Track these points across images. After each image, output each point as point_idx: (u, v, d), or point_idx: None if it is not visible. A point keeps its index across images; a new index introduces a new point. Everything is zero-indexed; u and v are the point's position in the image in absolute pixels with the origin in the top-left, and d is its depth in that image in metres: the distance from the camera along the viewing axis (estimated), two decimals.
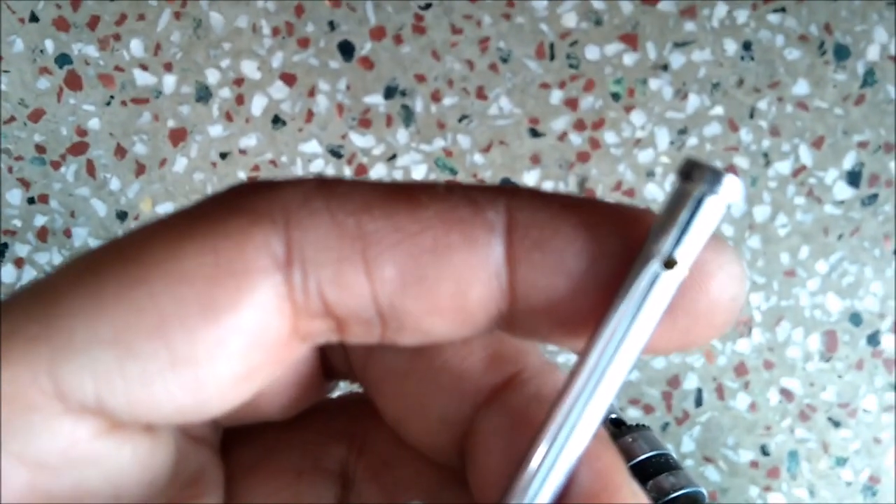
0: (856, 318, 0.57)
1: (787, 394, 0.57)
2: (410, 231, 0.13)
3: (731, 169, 0.11)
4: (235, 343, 0.12)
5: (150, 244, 0.12)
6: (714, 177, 0.12)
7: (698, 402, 0.57)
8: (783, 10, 0.55)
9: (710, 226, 0.12)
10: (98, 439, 0.13)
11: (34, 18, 0.56)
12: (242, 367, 0.13)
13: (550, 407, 0.13)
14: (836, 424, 0.57)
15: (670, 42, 0.56)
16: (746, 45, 0.56)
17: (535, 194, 0.13)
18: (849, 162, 0.56)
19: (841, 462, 0.57)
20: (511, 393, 0.14)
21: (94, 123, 0.57)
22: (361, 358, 0.16)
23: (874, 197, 0.56)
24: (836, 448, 0.57)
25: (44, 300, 0.12)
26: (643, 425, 0.52)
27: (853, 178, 0.56)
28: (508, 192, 0.13)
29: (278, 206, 0.13)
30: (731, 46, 0.56)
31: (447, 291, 0.13)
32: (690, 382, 0.57)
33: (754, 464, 0.57)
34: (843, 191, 0.56)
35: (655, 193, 0.57)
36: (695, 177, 0.12)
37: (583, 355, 0.13)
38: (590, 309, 0.13)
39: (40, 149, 0.57)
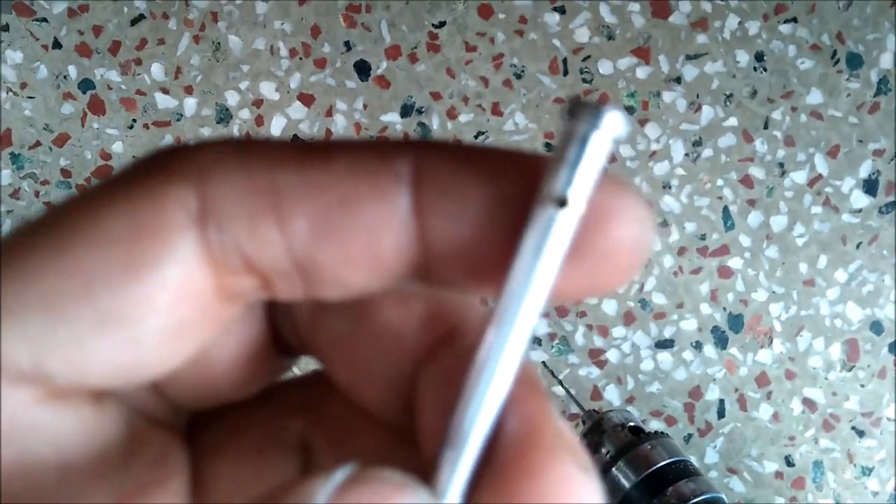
0: (877, 327, 0.56)
1: (809, 403, 0.57)
2: (320, 184, 0.13)
3: (611, 104, 0.11)
4: (161, 298, 0.13)
5: (73, 212, 0.13)
6: (596, 113, 0.12)
7: (721, 413, 0.57)
8: (794, 20, 0.56)
9: (597, 161, 0.12)
10: (39, 405, 0.13)
11: (57, 45, 0.57)
12: (172, 322, 0.13)
13: (473, 356, 0.13)
14: (861, 434, 0.56)
15: (683, 55, 0.56)
16: (759, 56, 0.56)
17: (441, 146, 0.13)
18: (865, 170, 0.56)
19: (866, 472, 0.56)
20: (447, 348, 0.15)
21: (117, 147, 0.58)
22: (308, 327, 0.16)
23: (891, 205, 0.56)
24: (860, 458, 0.56)
25: None
26: (662, 433, 0.51)
27: (870, 186, 0.56)
28: (416, 145, 0.14)
29: (193, 165, 0.13)
30: (744, 57, 0.56)
31: (359, 241, 0.13)
32: (712, 393, 0.57)
33: (779, 474, 0.57)
34: (860, 199, 0.56)
35: (672, 206, 0.57)
36: (578, 115, 0.12)
37: (495, 301, 0.13)
38: (497, 255, 0.13)
39: (66, 173, 0.58)
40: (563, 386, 0.56)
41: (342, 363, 0.16)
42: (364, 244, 0.13)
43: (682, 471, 0.49)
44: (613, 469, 0.49)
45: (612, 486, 0.49)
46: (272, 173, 0.13)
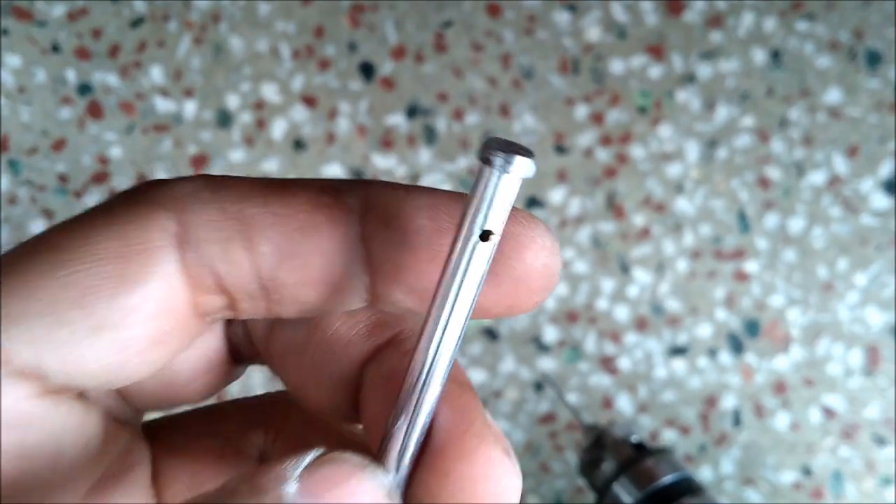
0: None
1: (828, 411, 0.55)
2: (283, 214, 0.15)
3: (524, 149, 0.13)
4: (146, 308, 0.15)
5: (69, 233, 0.15)
6: (506, 158, 0.13)
7: (736, 422, 0.56)
8: (812, 16, 0.54)
9: (508, 200, 0.14)
10: (35, 400, 0.15)
11: (55, 49, 0.56)
12: (155, 331, 0.15)
13: (410, 356, 0.15)
14: (881, 442, 0.55)
15: (696, 53, 0.55)
16: (775, 54, 0.54)
17: (387, 184, 0.16)
18: (885, 170, 0.55)
19: (887, 482, 0.55)
20: (389, 351, 0.17)
21: (115, 152, 0.57)
22: (263, 338, 0.18)
23: None
24: (881, 467, 0.55)
25: None
26: (665, 448, 0.50)
27: (890, 186, 0.55)
28: (365, 183, 0.16)
29: (172, 196, 0.15)
30: (760, 55, 0.55)
31: (315, 264, 0.15)
32: (728, 402, 0.55)
33: (797, 485, 0.55)
34: (880, 200, 0.55)
35: (685, 208, 0.55)
36: (491, 160, 0.13)
37: (426, 316, 0.15)
38: (432, 277, 0.15)
39: (63, 179, 0.57)
40: (563, 400, 0.55)
41: (295, 369, 0.18)
42: (320, 267, 0.16)
43: (685, 487, 0.48)
44: (615, 485, 0.48)
45: (613, 502, 0.48)
46: (241, 204, 0.15)
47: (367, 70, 0.56)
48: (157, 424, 0.20)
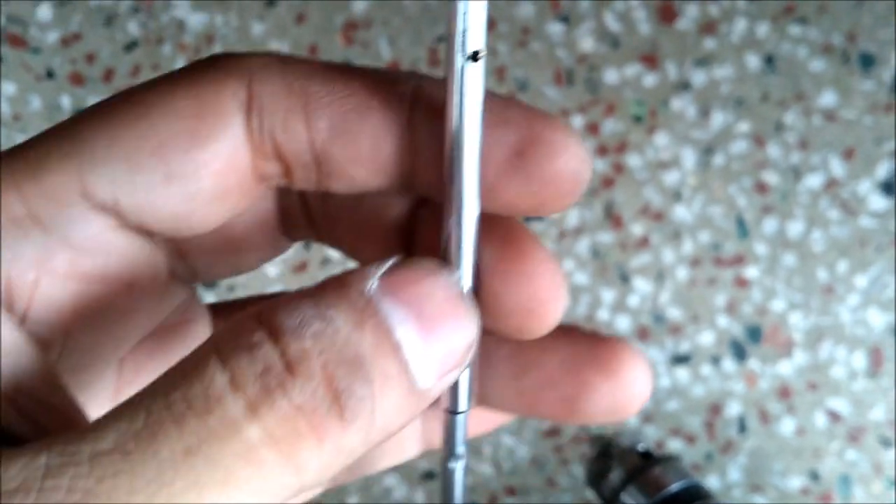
0: None
1: (833, 415, 0.55)
2: (341, 95, 0.17)
3: None
4: (214, 164, 0.16)
5: (150, 91, 0.16)
6: None
7: (741, 428, 0.55)
8: (804, 20, 0.54)
9: (480, 18, 0.15)
10: (116, 232, 0.17)
11: (50, 75, 0.56)
12: (219, 186, 0.17)
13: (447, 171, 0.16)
14: (888, 444, 0.55)
15: (690, 60, 0.55)
16: (769, 59, 0.55)
17: (436, 79, 0.17)
18: (882, 171, 0.55)
19: (895, 484, 0.55)
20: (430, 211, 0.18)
21: None
22: (318, 207, 0.20)
23: None
24: (889, 469, 0.55)
25: (71, 131, 0.16)
26: (672, 456, 0.50)
27: (887, 187, 0.55)
28: (418, 75, 0.17)
29: (245, 67, 0.17)
30: (754, 61, 0.55)
31: (365, 144, 0.17)
32: (732, 409, 0.55)
33: (805, 490, 0.55)
34: (878, 201, 0.55)
35: (683, 215, 0.55)
36: None
37: (446, 146, 0.16)
38: None
39: None
40: None
41: (346, 234, 0.20)
42: (369, 146, 0.17)
43: (694, 494, 0.48)
44: (623, 494, 0.48)
45: None
46: (305, 81, 0.17)
47: None
48: (218, 305, 0.22)
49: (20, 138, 0.57)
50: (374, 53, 0.56)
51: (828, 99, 0.55)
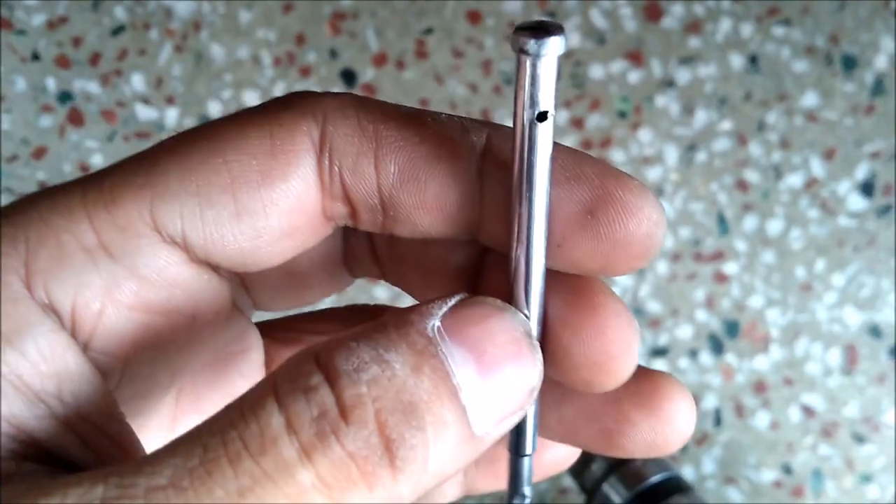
0: (875, 331, 0.56)
1: (808, 410, 0.56)
2: (413, 141, 0.17)
3: (553, 27, 0.13)
4: (283, 203, 0.16)
5: (224, 127, 0.16)
6: (538, 42, 0.14)
7: (717, 421, 0.56)
8: (788, 22, 0.55)
9: (551, 78, 0.15)
10: (183, 265, 0.17)
11: (35, 57, 0.56)
12: (287, 224, 0.17)
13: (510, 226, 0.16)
14: (860, 440, 0.56)
15: (675, 58, 0.55)
16: (752, 59, 0.55)
17: (509, 129, 0.16)
18: (861, 172, 0.55)
19: (866, 479, 0.56)
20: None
21: (96, 159, 0.56)
22: (385, 249, 0.20)
23: (888, 207, 0.55)
24: (860, 464, 0.56)
25: (145, 163, 0.16)
26: None
27: (866, 188, 0.55)
28: (490, 124, 0.17)
29: (320, 108, 0.17)
30: (737, 60, 0.55)
31: (432, 191, 0.17)
32: (708, 402, 0.56)
33: (778, 483, 0.56)
34: (857, 202, 0.56)
35: (665, 211, 0.56)
36: (525, 48, 0.14)
37: (512, 200, 0.16)
38: None
39: (44, 187, 0.56)
40: None
41: (410, 275, 0.20)
42: (435, 194, 0.17)
43: (674, 486, 0.49)
44: (604, 485, 0.49)
45: (603, 502, 0.49)
46: (378, 125, 0.17)
47: (348, 77, 0.56)
48: (266, 324, 0.22)
49: (5, 119, 0.57)
50: (361, 44, 0.56)
51: (810, 100, 0.55)
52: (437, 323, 0.15)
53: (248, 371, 0.21)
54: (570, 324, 0.17)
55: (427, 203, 0.17)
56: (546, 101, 0.15)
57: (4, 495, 0.13)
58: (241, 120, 0.17)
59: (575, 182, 0.16)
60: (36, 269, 0.15)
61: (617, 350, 0.17)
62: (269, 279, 0.21)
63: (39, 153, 0.56)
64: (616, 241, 0.16)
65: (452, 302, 0.15)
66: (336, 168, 0.17)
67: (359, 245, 0.21)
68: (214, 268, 0.18)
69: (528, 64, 0.14)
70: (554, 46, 0.14)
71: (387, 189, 0.17)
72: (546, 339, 0.17)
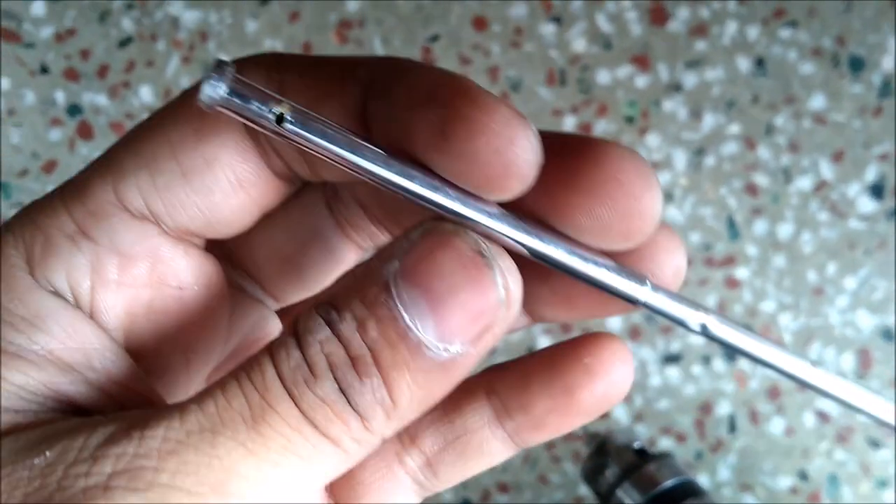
0: (888, 334, 0.55)
1: (822, 416, 0.55)
2: (308, 84, 0.18)
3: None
4: (224, 156, 0.18)
5: (166, 107, 0.18)
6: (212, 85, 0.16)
7: (732, 428, 0.56)
8: (794, 24, 0.55)
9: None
10: (158, 237, 0.18)
11: (44, 70, 0.56)
12: (234, 177, 0.18)
13: None
14: (876, 445, 0.55)
15: (682, 62, 0.55)
16: (759, 62, 0.55)
17: (393, 61, 0.18)
18: (871, 175, 0.55)
19: (883, 484, 0.55)
20: None
21: None
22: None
23: None
24: (877, 469, 0.55)
25: (107, 154, 0.18)
26: (666, 453, 0.50)
27: (876, 190, 0.55)
28: (379, 59, 0.18)
29: (243, 68, 0.17)
30: (744, 63, 0.55)
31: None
32: (723, 408, 0.56)
33: (794, 490, 0.55)
34: (867, 204, 0.55)
35: (675, 216, 0.56)
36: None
37: None
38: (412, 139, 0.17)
39: None
40: None
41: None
42: None
43: (688, 490, 0.48)
44: (618, 490, 0.48)
45: None
46: (284, 75, 0.18)
47: None
48: (288, 310, 0.23)
49: (15, 133, 0.57)
50: (367, 51, 0.56)
51: (817, 102, 0.55)
52: (397, 265, 0.15)
53: None
54: (580, 190, 0.16)
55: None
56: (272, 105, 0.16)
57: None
58: (179, 97, 0.18)
59: (430, 104, 0.16)
60: (35, 263, 0.17)
61: (637, 190, 0.16)
62: (272, 268, 0.22)
63: (50, 167, 0.57)
64: (469, 160, 0.15)
65: (415, 236, 0.16)
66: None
67: (351, 215, 0.21)
68: (191, 238, 0.19)
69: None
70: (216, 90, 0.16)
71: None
72: (561, 215, 0.17)
